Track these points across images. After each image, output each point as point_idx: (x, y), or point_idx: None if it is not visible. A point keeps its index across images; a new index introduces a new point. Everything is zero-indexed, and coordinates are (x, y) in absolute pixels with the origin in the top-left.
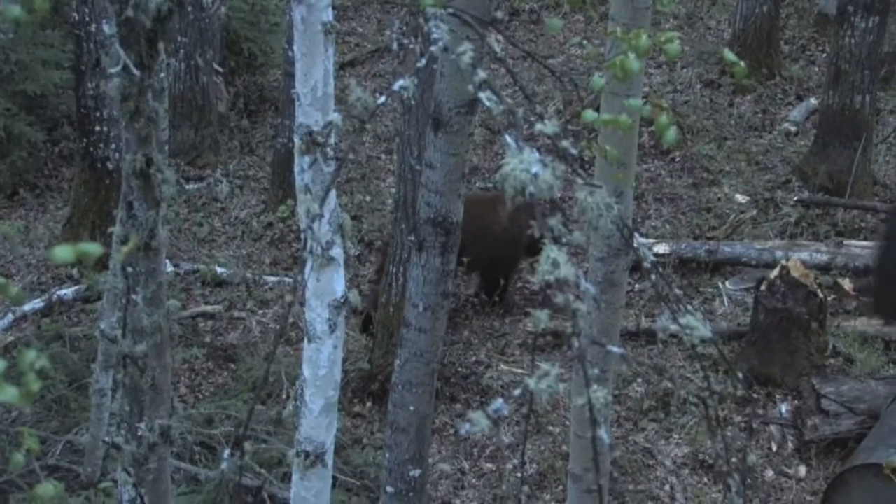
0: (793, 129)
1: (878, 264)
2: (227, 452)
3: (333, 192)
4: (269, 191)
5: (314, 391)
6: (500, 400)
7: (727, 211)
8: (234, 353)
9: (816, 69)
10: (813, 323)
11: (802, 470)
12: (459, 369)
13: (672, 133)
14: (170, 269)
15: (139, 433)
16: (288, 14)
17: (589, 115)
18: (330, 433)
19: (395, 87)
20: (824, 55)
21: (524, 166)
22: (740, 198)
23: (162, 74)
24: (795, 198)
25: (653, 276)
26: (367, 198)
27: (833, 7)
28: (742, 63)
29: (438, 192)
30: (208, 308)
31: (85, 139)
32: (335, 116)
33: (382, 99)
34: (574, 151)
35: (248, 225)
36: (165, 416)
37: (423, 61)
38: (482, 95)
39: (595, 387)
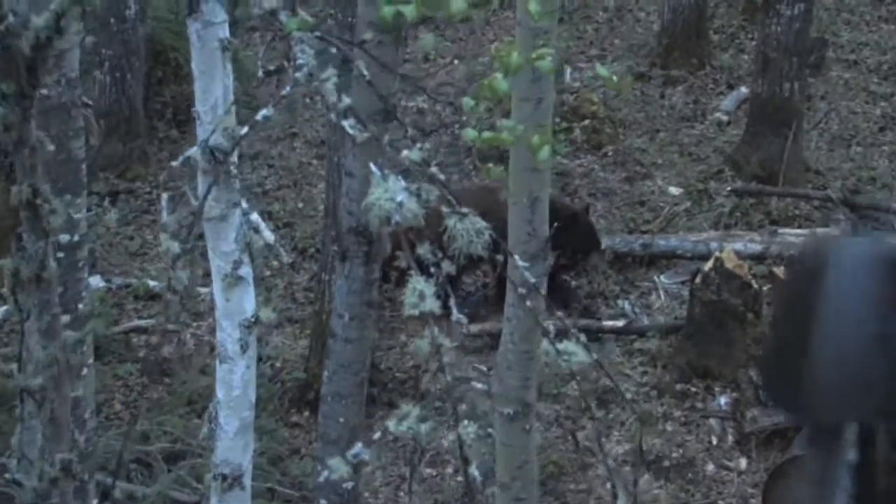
0: (724, 118)
1: (768, 344)
2: None
3: (238, 211)
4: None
5: (228, 412)
6: (359, 445)
7: (661, 204)
8: (169, 368)
9: (746, 57)
10: (748, 314)
11: (743, 462)
12: (397, 374)
13: (546, 152)
14: (101, 283)
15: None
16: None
17: (469, 133)
18: (247, 455)
19: (259, 116)
20: (754, 43)
21: (389, 195)
22: (674, 190)
23: (78, 90)
24: (728, 188)
25: (527, 303)
26: (300, 204)
27: None
28: (614, 77)
29: (359, 200)
30: (141, 322)
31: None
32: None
33: (245, 129)
34: (441, 177)
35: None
36: (66, 450)
37: (288, 88)
38: (345, 123)
39: (466, 422)
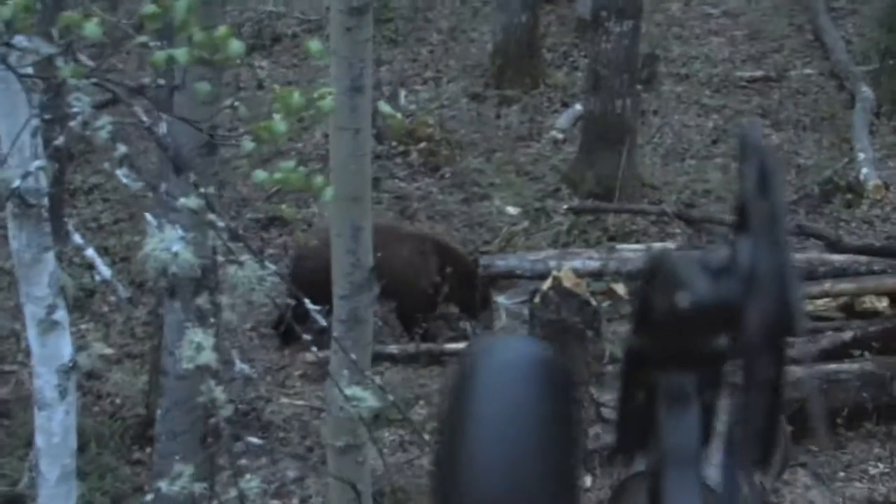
0: (560, 136)
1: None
2: None
3: (51, 255)
4: None
5: (49, 460)
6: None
7: (499, 224)
8: (8, 408)
9: (580, 75)
10: (588, 331)
11: (588, 480)
12: (239, 406)
13: (328, 193)
14: None
15: None
16: None
17: (258, 175)
18: (69, 502)
19: (33, 167)
20: (587, 61)
21: (165, 245)
22: (511, 210)
23: None
24: (565, 206)
25: (313, 349)
26: (136, 237)
27: (589, 12)
28: (398, 115)
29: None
30: None
31: None
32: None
33: (18, 183)
34: (221, 224)
35: (12, 275)
36: None
37: (62, 139)
38: (119, 172)
39: (248, 476)
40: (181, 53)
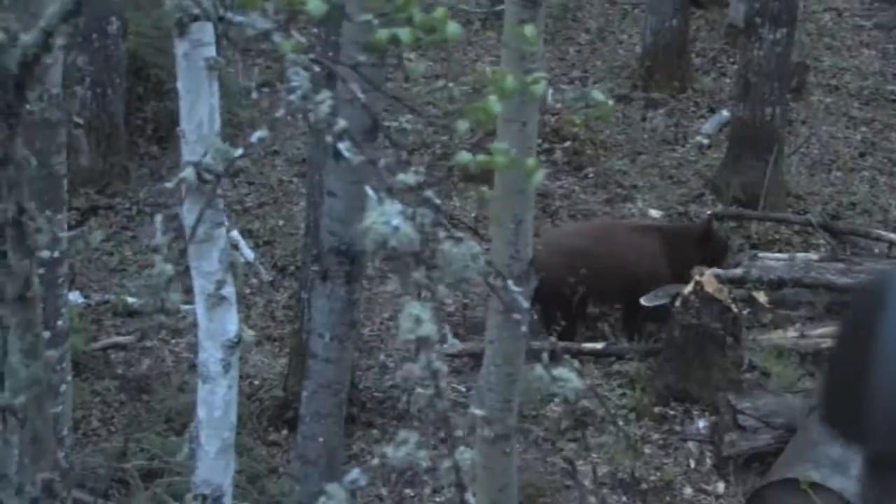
0: (705, 141)
1: (828, 373)
2: None
3: (223, 231)
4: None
5: (210, 433)
6: (356, 470)
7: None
8: (147, 384)
9: (728, 81)
10: (728, 338)
11: (721, 486)
12: (375, 394)
13: (539, 176)
14: (80, 300)
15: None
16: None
17: (464, 157)
18: (227, 475)
19: (253, 138)
20: (735, 67)
21: (385, 219)
22: (654, 212)
23: (66, 107)
24: (709, 212)
25: (522, 329)
26: (280, 222)
27: (743, 19)
28: (610, 102)
29: (341, 220)
30: (120, 339)
31: None
32: (188, 172)
33: (240, 151)
34: (437, 201)
35: (160, 252)
36: (48, 469)
37: (282, 111)
38: (341, 146)
39: (462, 448)
40: (404, 33)
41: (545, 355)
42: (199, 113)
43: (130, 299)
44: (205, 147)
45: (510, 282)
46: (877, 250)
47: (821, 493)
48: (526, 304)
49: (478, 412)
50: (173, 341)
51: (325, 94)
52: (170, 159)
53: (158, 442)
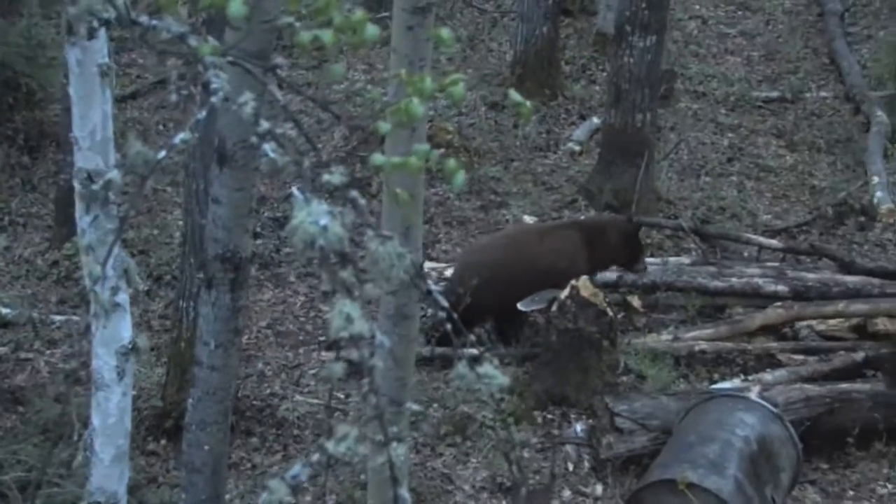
0: (577, 148)
1: None
2: None
3: (115, 238)
4: (54, 228)
5: (104, 440)
6: (298, 466)
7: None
8: (23, 396)
9: (598, 88)
10: (604, 341)
11: (599, 488)
12: (254, 402)
13: (460, 178)
14: None
15: None
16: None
17: (378, 159)
18: (122, 482)
19: (176, 140)
20: (605, 74)
21: (313, 219)
22: (528, 219)
23: None
24: (581, 217)
25: (447, 326)
26: (155, 231)
27: (611, 26)
28: (528, 103)
29: (226, 227)
30: None
31: None
32: (114, 174)
33: (162, 153)
34: (362, 201)
35: (33, 263)
36: None
37: (204, 113)
38: (266, 147)
39: (395, 444)
40: (326, 35)
41: (462, 354)
42: (92, 119)
43: (4, 310)
44: (97, 153)
45: (431, 280)
46: (746, 254)
47: (697, 493)
48: (417, 308)
49: (413, 406)
50: (48, 352)
51: (247, 96)
52: (41, 169)
53: (36, 453)
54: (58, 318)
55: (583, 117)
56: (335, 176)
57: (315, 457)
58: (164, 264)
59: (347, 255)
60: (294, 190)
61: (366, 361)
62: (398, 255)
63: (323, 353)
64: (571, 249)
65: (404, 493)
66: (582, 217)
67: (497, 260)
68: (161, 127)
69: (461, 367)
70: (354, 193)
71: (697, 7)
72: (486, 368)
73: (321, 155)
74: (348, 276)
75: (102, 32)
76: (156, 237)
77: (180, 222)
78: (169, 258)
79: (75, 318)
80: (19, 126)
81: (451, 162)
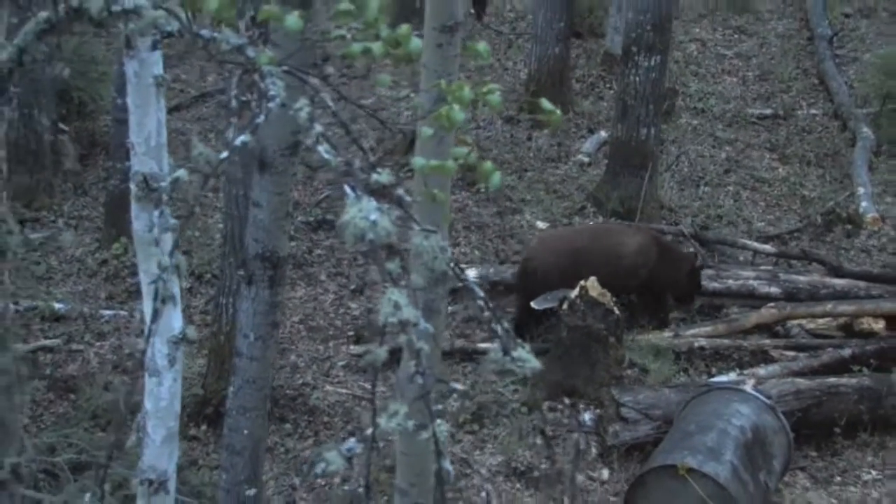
0: (586, 159)
1: None
2: (87, 496)
3: (170, 235)
4: (103, 230)
5: (156, 422)
6: (352, 440)
7: (530, 236)
8: (74, 384)
9: (605, 104)
10: (611, 338)
11: (605, 473)
12: (287, 391)
13: (497, 178)
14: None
15: None
16: (116, 64)
17: (418, 161)
18: (172, 461)
19: (238, 142)
20: (612, 91)
21: (363, 214)
22: (541, 224)
23: None
24: (591, 223)
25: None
26: (196, 233)
27: (619, 47)
28: (558, 111)
29: (265, 229)
30: (47, 342)
31: None
32: (181, 172)
33: (225, 154)
34: (408, 199)
35: (84, 262)
36: (15, 454)
37: (263, 117)
38: (320, 149)
39: (439, 421)
40: (377, 47)
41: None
42: (147, 126)
43: (57, 305)
44: (152, 158)
45: (469, 272)
46: (742, 258)
47: (696, 477)
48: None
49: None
50: (97, 344)
51: (302, 102)
52: (92, 175)
53: (85, 437)
54: (106, 312)
55: (591, 131)
56: (383, 176)
57: (368, 431)
58: (205, 264)
59: (395, 248)
60: (346, 188)
61: (413, 345)
62: (441, 248)
63: (352, 347)
64: (653, 258)
65: (447, 465)
66: (667, 237)
67: (580, 247)
68: (201, 136)
69: (495, 352)
70: (401, 191)
71: (697, 30)
72: (519, 353)
73: (369, 157)
74: (395, 267)
75: (153, 47)
76: (197, 239)
77: (220, 225)
78: (209, 258)
79: (123, 312)
80: (72, 135)
81: (489, 164)
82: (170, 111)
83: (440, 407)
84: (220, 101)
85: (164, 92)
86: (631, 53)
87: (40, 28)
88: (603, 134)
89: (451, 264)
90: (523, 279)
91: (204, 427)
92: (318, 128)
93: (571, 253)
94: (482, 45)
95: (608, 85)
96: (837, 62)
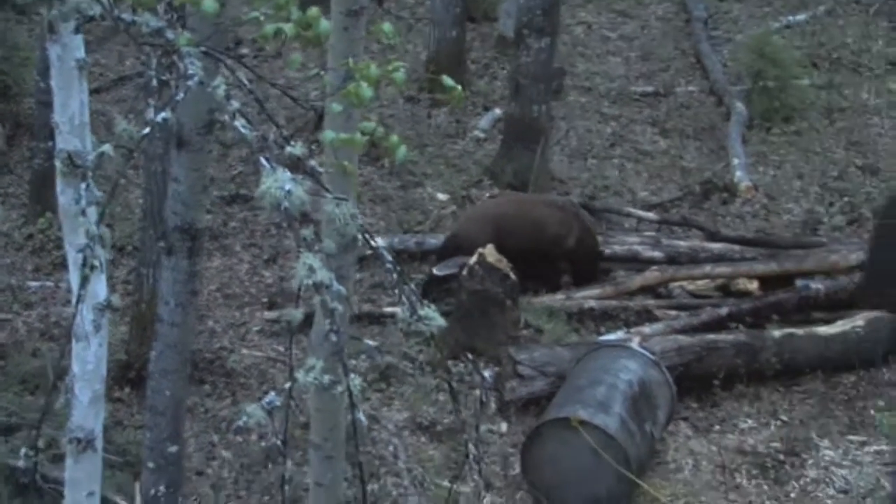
0: (482, 135)
1: (868, 260)
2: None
3: (94, 208)
4: (28, 205)
5: (83, 384)
6: (272, 393)
7: (430, 208)
8: (3, 351)
9: (499, 84)
10: (507, 301)
11: (504, 426)
12: (206, 355)
13: (403, 151)
14: None
15: None
16: (38, 49)
17: (328, 135)
18: (98, 421)
19: (158, 118)
20: (505, 72)
21: (279, 185)
22: (441, 196)
23: None
24: (487, 194)
25: (394, 276)
26: (117, 208)
27: (511, 31)
28: (459, 88)
29: (184, 202)
30: None
31: None
32: (107, 147)
33: (147, 130)
34: (320, 170)
35: (11, 237)
36: None
37: (182, 95)
38: (237, 123)
39: (353, 375)
40: (289, 28)
41: (407, 301)
42: (70, 107)
43: None
44: (76, 136)
45: (378, 239)
46: (627, 225)
47: (588, 429)
48: (353, 270)
49: (370, 342)
50: (25, 313)
51: (220, 80)
52: (17, 154)
53: (16, 401)
54: (33, 283)
55: (486, 109)
56: (296, 148)
57: (287, 385)
58: (126, 237)
59: (308, 215)
60: (262, 160)
61: (327, 305)
62: (352, 215)
63: (265, 313)
64: (576, 233)
65: (361, 416)
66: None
67: (504, 218)
68: (121, 117)
69: (403, 311)
70: (313, 163)
71: (584, 14)
72: (426, 311)
73: (282, 132)
74: (309, 234)
75: (74, 31)
76: (118, 213)
77: (140, 201)
78: (130, 232)
79: (49, 283)
80: None
81: (395, 138)
82: (90, 94)
83: (354, 362)
84: (137, 84)
85: (86, 74)
86: (523, 36)
87: None
88: (497, 111)
89: (361, 231)
90: (451, 250)
91: (127, 390)
92: (235, 104)
93: (496, 224)
94: (387, 26)
95: (501, 66)
96: (712, 43)
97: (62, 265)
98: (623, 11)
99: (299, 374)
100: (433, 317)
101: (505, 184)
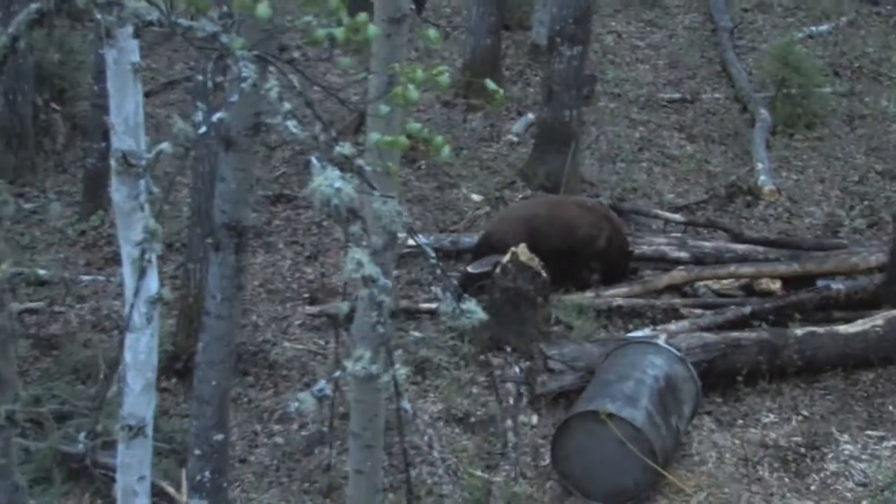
0: (515, 139)
1: (890, 261)
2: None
3: (147, 206)
4: (82, 203)
5: (135, 374)
6: (322, 381)
7: (465, 208)
8: (57, 342)
9: (532, 90)
10: (539, 298)
11: (535, 418)
12: (250, 347)
13: (447, 150)
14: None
15: None
16: (92, 54)
17: (373, 136)
18: (149, 409)
19: (214, 118)
20: (538, 78)
21: (328, 182)
22: (475, 197)
23: None
24: (520, 196)
25: (437, 271)
26: (166, 207)
27: (544, 38)
28: (501, 91)
29: (231, 201)
30: (32, 305)
31: None
32: (165, 145)
33: (203, 129)
34: (368, 168)
35: (64, 233)
36: (10, 402)
37: (236, 97)
38: (289, 124)
39: (398, 365)
40: (339, 32)
41: (449, 293)
42: (125, 109)
43: (41, 271)
44: (131, 136)
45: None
46: (654, 226)
47: (616, 421)
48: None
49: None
50: (77, 306)
51: (272, 82)
52: (71, 154)
53: (68, 389)
54: (85, 277)
55: (520, 113)
56: (345, 148)
57: (336, 374)
58: (174, 234)
59: (356, 212)
60: (312, 159)
61: (374, 297)
62: (398, 212)
63: (307, 308)
64: (606, 234)
65: (406, 405)
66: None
67: (536, 219)
68: (169, 120)
69: (445, 305)
70: (360, 162)
71: (614, 24)
72: (468, 305)
73: (332, 132)
74: (357, 230)
75: (129, 36)
76: (166, 212)
77: (188, 200)
78: (178, 229)
79: (100, 277)
80: (52, 119)
81: (439, 138)
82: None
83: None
84: (186, 88)
85: (140, 77)
86: (555, 44)
87: (31, 18)
88: (530, 116)
89: (406, 228)
90: (485, 249)
91: (174, 380)
92: (288, 105)
93: (528, 225)
94: (432, 32)
95: (535, 72)
96: (737, 52)
97: (113, 260)
98: (652, 21)
99: (348, 364)
100: (475, 310)
101: (537, 186)
